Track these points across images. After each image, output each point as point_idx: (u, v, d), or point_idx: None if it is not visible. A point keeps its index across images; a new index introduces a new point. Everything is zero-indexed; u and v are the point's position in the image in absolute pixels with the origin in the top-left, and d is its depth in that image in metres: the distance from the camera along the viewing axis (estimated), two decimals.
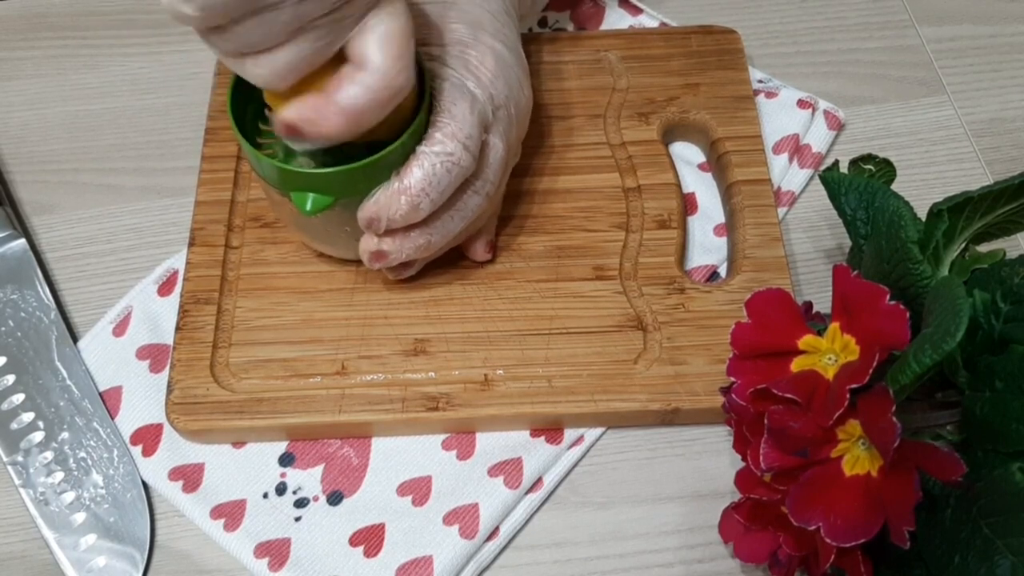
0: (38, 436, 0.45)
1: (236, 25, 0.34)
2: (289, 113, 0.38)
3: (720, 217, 0.52)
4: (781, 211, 0.52)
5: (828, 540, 0.33)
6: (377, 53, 0.37)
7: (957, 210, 0.37)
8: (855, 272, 0.34)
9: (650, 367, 0.45)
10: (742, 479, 0.37)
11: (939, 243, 0.38)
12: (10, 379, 0.47)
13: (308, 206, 0.41)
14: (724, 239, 0.51)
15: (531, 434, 0.45)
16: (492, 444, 0.45)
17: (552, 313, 0.47)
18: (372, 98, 0.37)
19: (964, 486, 0.33)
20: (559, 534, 0.44)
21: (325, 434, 0.45)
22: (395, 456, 0.45)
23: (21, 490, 0.44)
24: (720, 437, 0.46)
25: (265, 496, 0.44)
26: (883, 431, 0.31)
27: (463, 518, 0.43)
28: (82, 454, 0.45)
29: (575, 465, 0.45)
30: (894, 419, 0.31)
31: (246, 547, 0.43)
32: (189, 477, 0.44)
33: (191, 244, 0.49)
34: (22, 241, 0.51)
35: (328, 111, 0.38)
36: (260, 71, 0.37)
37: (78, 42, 0.60)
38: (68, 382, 0.47)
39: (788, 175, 0.53)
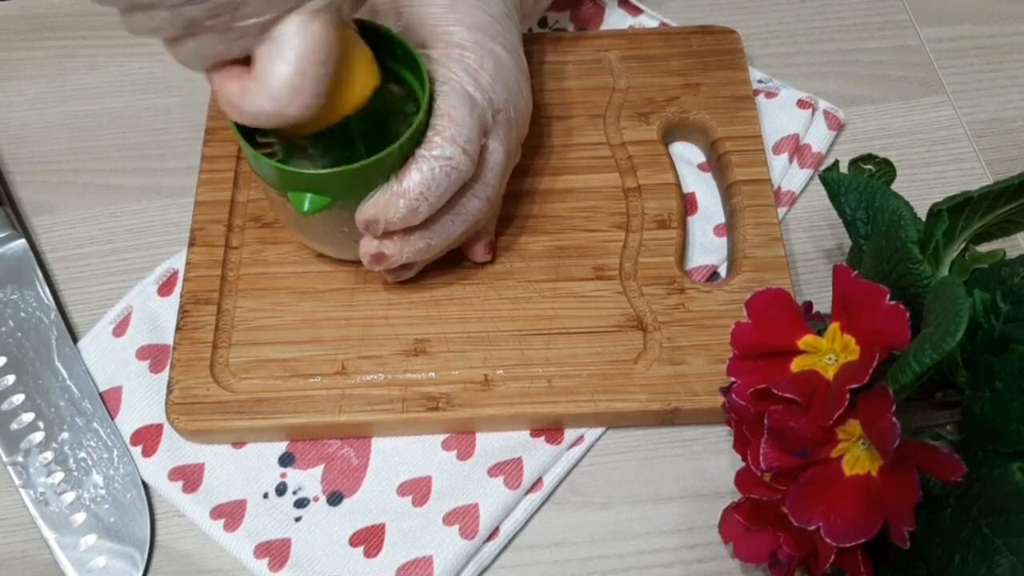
0: (38, 436, 0.45)
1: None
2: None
3: (720, 217, 0.52)
4: (781, 211, 0.52)
5: (828, 540, 0.33)
6: (267, 65, 0.35)
7: (957, 210, 0.37)
8: (855, 272, 0.34)
9: (650, 367, 0.45)
10: (742, 479, 0.37)
11: (939, 243, 0.38)
12: (10, 379, 0.47)
13: (306, 206, 0.41)
14: (724, 239, 0.51)
15: (531, 434, 0.45)
16: (492, 444, 0.45)
17: (552, 313, 0.47)
18: (257, 110, 0.36)
19: (964, 486, 0.33)
20: (559, 534, 0.44)
21: (325, 434, 0.45)
22: (395, 456, 0.45)
23: (21, 490, 0.44)
24: (720, 437, 0.46)
25: (265, 496, 0.44)
26: (883, 431, 0.31)
27: (463, 518, 0.43)
28: (82, 454, 0.45)
29: (575, 465, 0.45)
30: (894, 419, 0.31)
31: (246, 547, 0.43)
32: (189, 477, 0.44)
33: (191, 244, 0.49)
34: (22, 241, 0.51)
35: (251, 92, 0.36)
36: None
37: (78, 42, 0.60)
38: (68, 382, 0.47)
39: (788, 175, 0.53)
